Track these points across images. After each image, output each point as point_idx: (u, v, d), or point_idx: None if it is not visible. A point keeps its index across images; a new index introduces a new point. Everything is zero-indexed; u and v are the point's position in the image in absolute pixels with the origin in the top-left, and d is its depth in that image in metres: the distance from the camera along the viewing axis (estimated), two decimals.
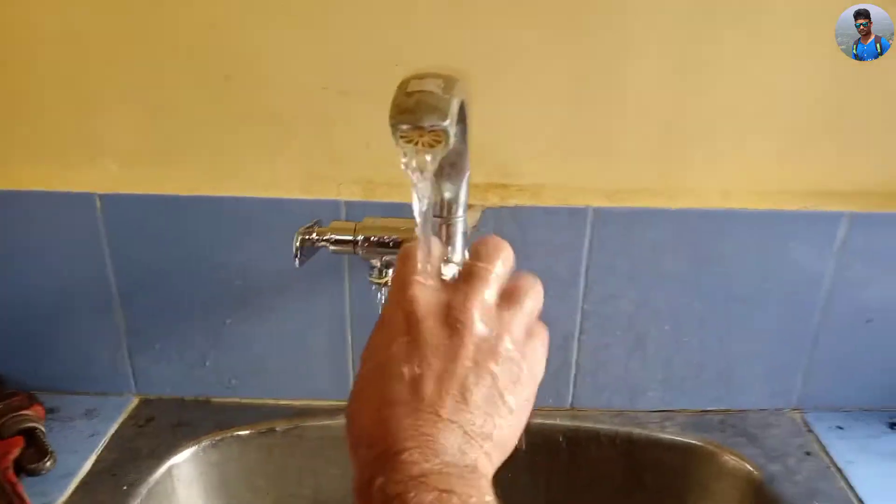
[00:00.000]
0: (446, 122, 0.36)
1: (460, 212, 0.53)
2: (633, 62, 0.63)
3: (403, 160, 0.38)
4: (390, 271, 0.62)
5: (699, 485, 0.72)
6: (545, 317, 0.69)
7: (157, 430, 0.72)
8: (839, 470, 0.67)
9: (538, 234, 0.68)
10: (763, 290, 0.69)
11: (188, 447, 0.70)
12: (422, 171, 0.38)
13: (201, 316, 0.73)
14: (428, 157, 0.37)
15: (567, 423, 0.75)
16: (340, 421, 0.74)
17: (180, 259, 0.70)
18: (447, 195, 0.52)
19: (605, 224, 0.67)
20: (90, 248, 0.69)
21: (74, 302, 0.72)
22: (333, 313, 0.72)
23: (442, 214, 0.52)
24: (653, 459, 0.74)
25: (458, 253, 0.54)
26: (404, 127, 0.36)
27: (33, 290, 0.72)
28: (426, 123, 0.36)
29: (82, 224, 0.68)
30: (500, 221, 0.67)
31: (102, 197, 0.67)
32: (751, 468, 0.69)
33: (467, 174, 0.52)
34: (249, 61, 0.65)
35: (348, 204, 0.67)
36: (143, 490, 0.65)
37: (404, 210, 0.66)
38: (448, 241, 0.53)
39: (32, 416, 0.68)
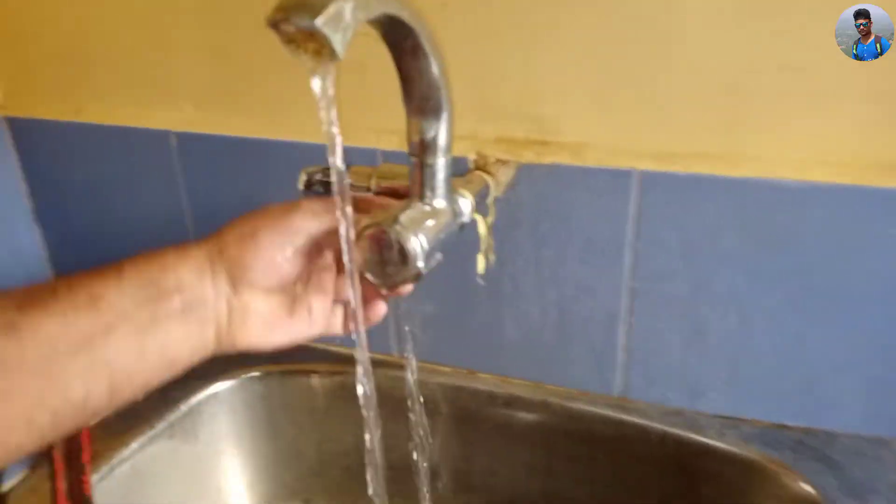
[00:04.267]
0: (319, 22, 0.33)
1: (440, 156, 0.49)
2: (690, 3, 0.54)
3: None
4: None
5: None
6: (587, 290, 0.63)
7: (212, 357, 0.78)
8: None
9: (578, 196, 0.61)
10: (853, 284, 0.56)
11: (236, 376, 0.75)
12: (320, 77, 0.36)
13: None
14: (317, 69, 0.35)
15: (612, 413, 0.67)
16: (394, 373, 0.74)
17: (242, 196, 0.74)
18: (424, 134, 0.49)
19: (654, 190, 0.59)
20: (167, 181, 0.76)
21: (154, 230, 0.79)
22: None
23: (416, 153, 0.49)
24: (706, 469, 0.64)
25: (441, 200, 0.50)
26: (277, 20, 0.34)
27: (117, 218, 0.80)
28: (295, 21, 0.33)
29: (160, 159, 0.75)
30: (535, 180, 0.62)
31: (178, 135, 0.73)
32: (820, 500, 0.56)
33: (445, 113, 0.48)
34: None
35: (385, 153, 0.66)
36: (184, 407, 0.71)
37: None
38: (423, 185, 0.49)
39: None
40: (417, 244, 0.45)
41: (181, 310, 0.38)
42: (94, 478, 0.61)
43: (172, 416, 0.70)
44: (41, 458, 0.62)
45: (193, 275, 0.39)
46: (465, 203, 0.52)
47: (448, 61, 0.61)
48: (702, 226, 0.58)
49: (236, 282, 0.41)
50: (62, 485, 0.58)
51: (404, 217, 0.46)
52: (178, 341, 0.39)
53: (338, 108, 0.66)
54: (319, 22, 0.34)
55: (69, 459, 0.60)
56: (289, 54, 0.36)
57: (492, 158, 0.62)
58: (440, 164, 0.49)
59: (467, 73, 0.62)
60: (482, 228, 0.59)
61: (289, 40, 0.35)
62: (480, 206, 0.59)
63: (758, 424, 0.63)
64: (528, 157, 0.62)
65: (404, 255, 0.45)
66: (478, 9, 0.60)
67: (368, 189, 0.59)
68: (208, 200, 0.76)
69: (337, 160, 0.39)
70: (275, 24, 0.34)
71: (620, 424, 0.67)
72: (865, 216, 0.53)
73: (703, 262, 0.59)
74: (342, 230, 0.41)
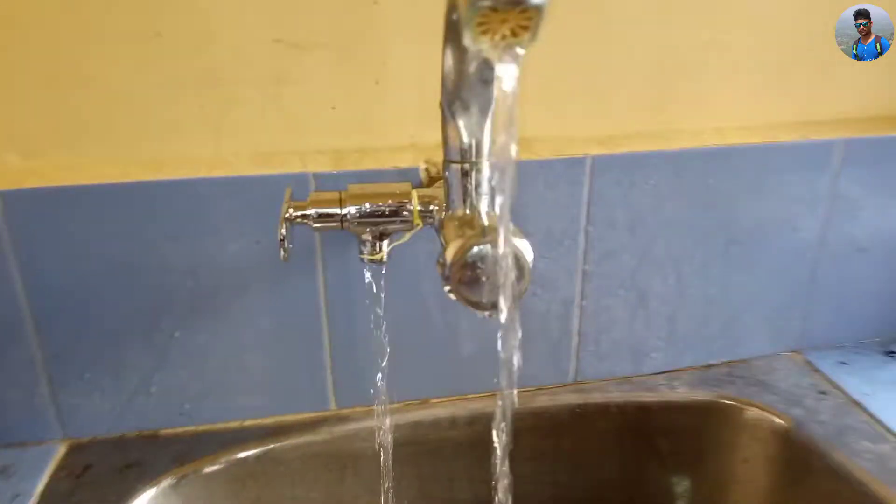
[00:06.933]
0: None
1: (485, 157, 0.45)
2: None
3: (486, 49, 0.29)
4: (385, 244, 0.53)
5: (719, 442, 0.68)
6: (547, 283, 0.63)
7: (99, 478, 0.59)
8: (857, 404, 0.65)
9: (535, 190, 0.61)
10: (762, 230, 0.66)
11: (144, 492, 0.57)
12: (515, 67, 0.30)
13: (142, 332, 0.60)
14: (518, 50, 0.29)
15: (573, 399, 0.68)
16: (322, 436, 0.64)
17: (110, 264, 0.57)
18: (466, 135, 0.44)
19: (604, 173, 0.62)
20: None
21: None
22: (305, 306, 0.61)
23: (463, 159, 0.44)
24: (666, 423, 0.69)
25: (484, 205, 0.46)
26: (492, 2, 0.27)
27: None
28: None
29: None
30: None
31: (4, 195, 0.53)
32: (774, 417, 0.65)
33: (493, 108, 0.44)
34: (185, 13, 0.53)
35: (318, 176, 0.57)
36: None
37: (384, 177, 0.58)
38: (475, 189, 0.45)
39: None
40: (527, 248, 0.41)
41: None
42: None
43: None
44: None
45: None
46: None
47: (382, 63, 0.57)
48: (646, 199, 0.63)
49: None
50: None
51: (488, 223, 0.42)
52: None
53: (254, 131, 0.57)
54: None
55: None
56: (474, 41, 0.29)
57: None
58: (484, 167, 0.45)
59: (405, 74, 0.58)
60: None
61: (485, 25, 0.29)
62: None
63: (693, 370, 0.71)
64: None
65: (520, 266, 0.40)
66: (418, 8, 0.56)
67: (342, 221, 0.51)
68: (54, 278, 0.57)
69: (507, 183, 0.33)
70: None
71: (583, 407, 0.68)
72: (768, 168, 0.64)
73: (647, 233, 0.64)
74: None
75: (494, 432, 0.43)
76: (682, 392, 0.69)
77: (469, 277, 0.40)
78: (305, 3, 0.55)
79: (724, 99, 0.64)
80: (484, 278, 0.40)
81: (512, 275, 0.38)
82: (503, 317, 0.37)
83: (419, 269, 0.61)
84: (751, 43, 0.62)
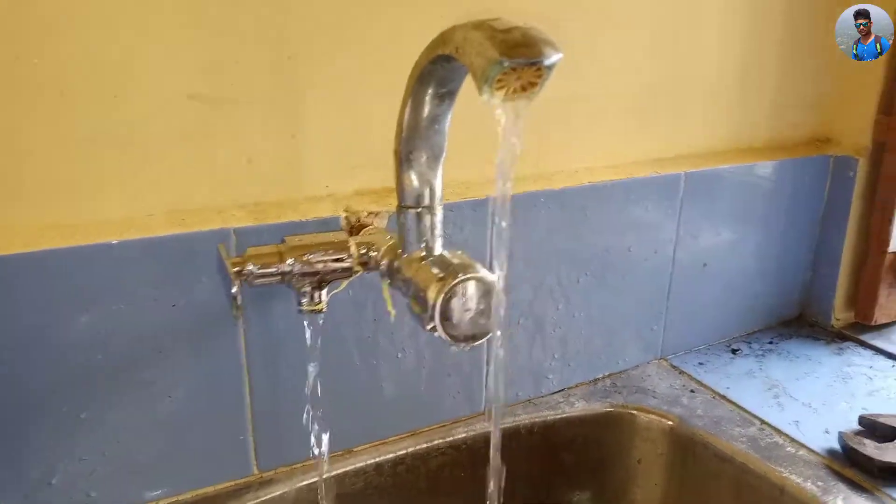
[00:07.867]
0: (560, 55, 0.32)
1: (438, 201, 0.48)
2: None
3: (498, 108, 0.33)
4: (324, 293, 0.54)
5: (616, 447, 0.75)
6: None
7: None
8: (723, 397, 0.76)
9: (444, 233, 0.64)
10: (631, 254, 0.76)
11: None
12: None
13: (42, 417, 0.54)
14: (526, 102, 0.33)
15: (487, 427, 0.72)
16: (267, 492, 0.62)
17: (2, 345, 0.51)
18: (418, 182, 0.47)
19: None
20: None
21: None
22: (226, 367, 0.59)
23: (421, 204, 0.47)
24: (569, 437, 0.75)
25: (439, 246, 0.49)
26: (513, 63, 0.31)
27: None
28: (547, 57, 0.32)
29: None
30: None
31: None
32: (661, 418, 0.74)
33: (444, 156, 0.47)
34: (93, 68, 0.51)
35: (238, 232, 0.56)
36: None
37: (306, 228, 0.58)
38: (430, 231, 0.48)
39: None
40: (488, 275, 0.45)
41: None
42: None
43: None
44: None
45: None
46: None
47: (298, 116, 0.59)
48: (538, 234, 0.69)
49: None
50: None
51: (457, 261, 0.45)
52: None
53: (168, 188, 0.55)
54: (560, 56, 0.33)
55: None
56: (491, 95, 0.33)
57: (363, 212, 0.61)
58: (439, 209, 0.49)
59: (321, 127, 0.59)
60: None
61: (503, 82, 0.33)
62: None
63: (583, 386, 0.78)
64: (393, 203, 0.62)
65: (487, 293, 0.44)
66: (333, 62, 0.58)
67: (283, 275, 0.51)
68: None
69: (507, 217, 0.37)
70: (516, 59, 0.32)
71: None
72: (634, 199, 0.74)
73: (541, 264, 0.71)
74: None
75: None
76: (579, 407, 0.75)
77: (452, 313, 0.42)
78: (220, 58, 0.54)
79: (591, 142, 0.73)
80: (466, 312, 0.42)
81: (498, 303, 0.42)
82: (499, 340, 0.40)
83: (339, 316, 0.61)
84: (607, 94, 0.72)
